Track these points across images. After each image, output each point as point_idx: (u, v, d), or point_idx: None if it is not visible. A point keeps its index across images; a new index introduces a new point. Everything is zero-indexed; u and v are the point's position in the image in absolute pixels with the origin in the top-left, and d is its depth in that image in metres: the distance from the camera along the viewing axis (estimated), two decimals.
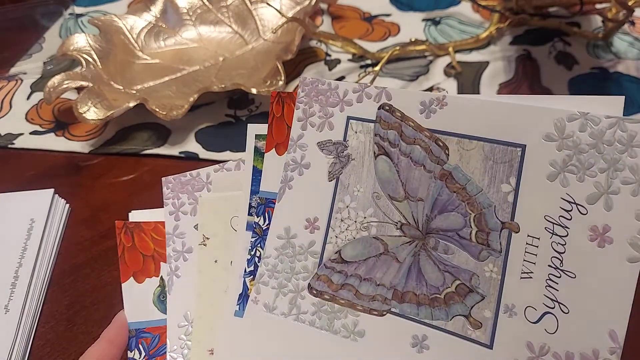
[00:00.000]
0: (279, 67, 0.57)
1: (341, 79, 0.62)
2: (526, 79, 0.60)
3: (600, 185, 0.26)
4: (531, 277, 0.26)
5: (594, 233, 0.25)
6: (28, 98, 0.64)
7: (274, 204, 0.32)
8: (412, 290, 0.29)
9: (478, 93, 0.58)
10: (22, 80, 0.67)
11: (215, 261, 0.34)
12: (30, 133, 0.59)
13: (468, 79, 0.60)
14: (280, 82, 0.56)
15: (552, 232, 0.26)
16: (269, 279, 0.31)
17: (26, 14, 0.75)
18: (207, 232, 0.35)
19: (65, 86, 0.57)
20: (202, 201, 0.36)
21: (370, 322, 0.30)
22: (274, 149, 0.34)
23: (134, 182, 0.53)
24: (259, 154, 0.34)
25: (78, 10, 0.77)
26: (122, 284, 0.35)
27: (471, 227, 0.28)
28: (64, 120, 0.60)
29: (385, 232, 0.30)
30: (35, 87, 0.66)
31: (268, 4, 0.62)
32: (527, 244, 0.27)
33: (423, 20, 0.70)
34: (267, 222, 0.33)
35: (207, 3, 0.70)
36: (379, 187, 0.30)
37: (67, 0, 0.74)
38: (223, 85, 0.56)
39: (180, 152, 0.55)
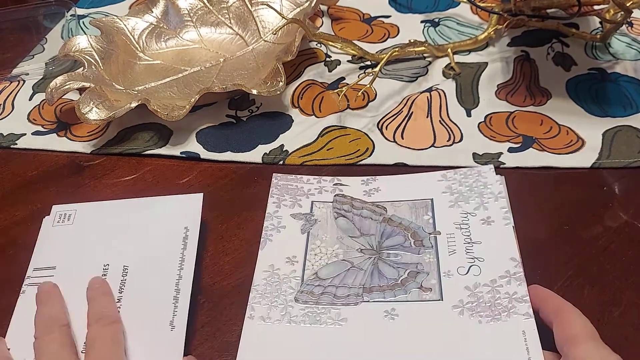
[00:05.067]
0: (279, 68, 0.58)
1: (341, 79, 0.63)
2: (524, 80, 0.60)
3: (478, 202, 0.46)
4: (455, 252, 0.43)
5: (483, 220, 0.45)
6: (30, 99, 0.64)
7: None
8: (377, 284, 0.42)
9: (477, 94, 0.59)
10: (24, 81, 0.67)
11: None
12: (33, 133, 0.60)
13: (467, 80, 0.61)
14: (281, 83, 0.57)
15: (460, 228, 0.45)
16: (261, 299, 0.41)
17: (28, 16, 0.75)
18: None
19: (67, 87, 0.57)
20: None
21: (349, 311, 0.40)
22: None
23: (136, 182, 0.54)
24: None
25: (80, 11, 0.77)
26: None
27: (410, 239, 0.45)
28: (66, 120, 0.61)
29: (350, 256, 0.44)
30: (37, 88, 0.66)
31: (268, 5, 0.62)
32: (447, 238, 0.44)
33: (422, 21, 0.71)
34: None
35: (207, 4, 0.70)
36: (341, 233, 0.46)
37: (69, 2, 0.74)
38: (224, 86, 0.57)
39: (181, 153, 0.56)
